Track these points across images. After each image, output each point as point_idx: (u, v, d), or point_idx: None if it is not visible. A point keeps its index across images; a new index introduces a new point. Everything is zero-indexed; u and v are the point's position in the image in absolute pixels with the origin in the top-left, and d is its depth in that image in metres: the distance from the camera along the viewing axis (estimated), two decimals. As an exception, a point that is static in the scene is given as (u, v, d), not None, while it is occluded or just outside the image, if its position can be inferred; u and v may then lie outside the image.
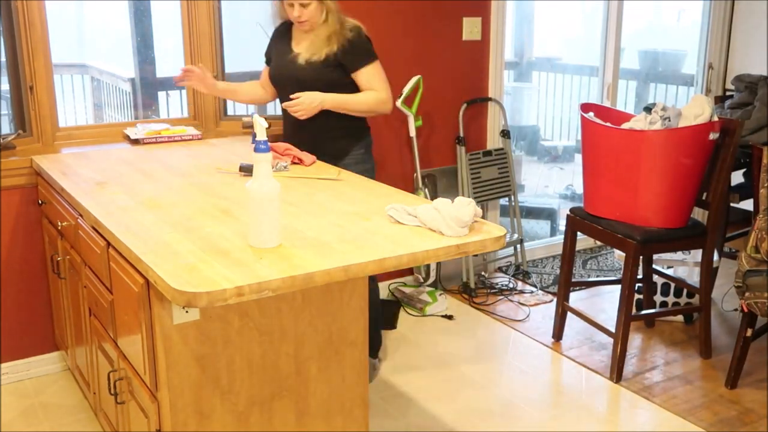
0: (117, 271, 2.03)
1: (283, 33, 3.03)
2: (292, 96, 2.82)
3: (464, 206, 1.96)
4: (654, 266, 3.51)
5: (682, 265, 3.62)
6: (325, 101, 2.84)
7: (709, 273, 3.20)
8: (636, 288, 3.45)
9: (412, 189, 3.80)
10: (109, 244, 2.08)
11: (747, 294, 2.81)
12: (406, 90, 3.55)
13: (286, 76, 2.97)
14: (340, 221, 2.05)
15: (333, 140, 2.95)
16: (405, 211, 2.05)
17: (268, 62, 3.12)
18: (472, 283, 3.93)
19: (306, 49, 2.89)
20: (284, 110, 2.95)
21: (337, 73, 2.88)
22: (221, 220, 2.06)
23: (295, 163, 2.75)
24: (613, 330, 3.13)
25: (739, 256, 2.89)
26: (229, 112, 3.52)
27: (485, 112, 4.06)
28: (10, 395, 2.99)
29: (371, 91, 2.91)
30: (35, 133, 3.04)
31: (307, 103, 2.80)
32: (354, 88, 2.92)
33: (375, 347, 3.13)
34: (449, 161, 3.98)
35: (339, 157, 2.92)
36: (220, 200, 2.27)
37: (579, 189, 5.86)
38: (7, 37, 2.94)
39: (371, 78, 2.90)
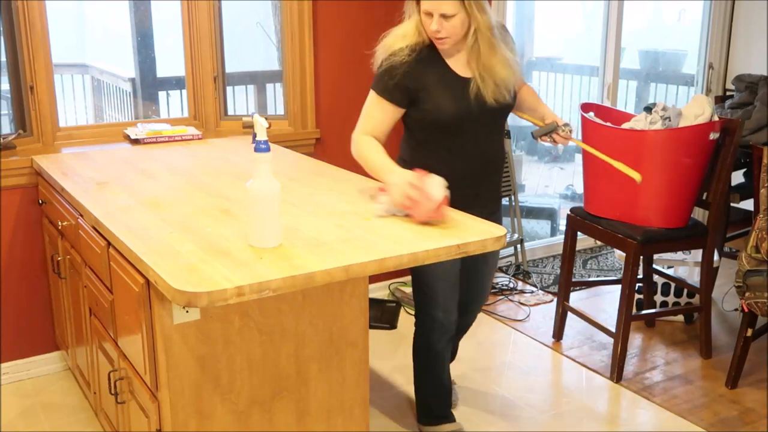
0: (117, 270, 2.03)
1: (430, 57, 2.30)
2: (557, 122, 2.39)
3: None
4: (654, 266, 3.51)
5: (682, 265, 3.62)
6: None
7: (709, 273, 3.20)
8: (636, 288, 3.45)
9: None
10: (109, 243, 2.08)
11: (747, 294, 2.81)
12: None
13: (485, 107, 2.31)
14: (340, 221, 2.05)
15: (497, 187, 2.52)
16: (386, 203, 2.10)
17: (399, 104, 2.33)
18: (473, 283, 3.93)
19: (508, 72, 2.34)
20: (464, 152, 2.36)
21: (513, 101, 2.43)
22: (222, 220, 2.06)
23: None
24: (613, 330, 3.13)
25: (739, 256, 2.89)
26: (230, 111, 3.52)
27: (485, 112, 4.05)
28: (11, 395, 3.00)
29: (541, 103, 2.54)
30: (35, 133, 3.04)
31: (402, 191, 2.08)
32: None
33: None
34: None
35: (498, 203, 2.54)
36: (221, 200, 2.27)
37: (579, 189, 5.87)
38: (8, 36, 2.94)
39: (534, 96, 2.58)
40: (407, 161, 2.40)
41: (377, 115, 2.34)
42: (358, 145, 2.33)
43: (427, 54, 2.28)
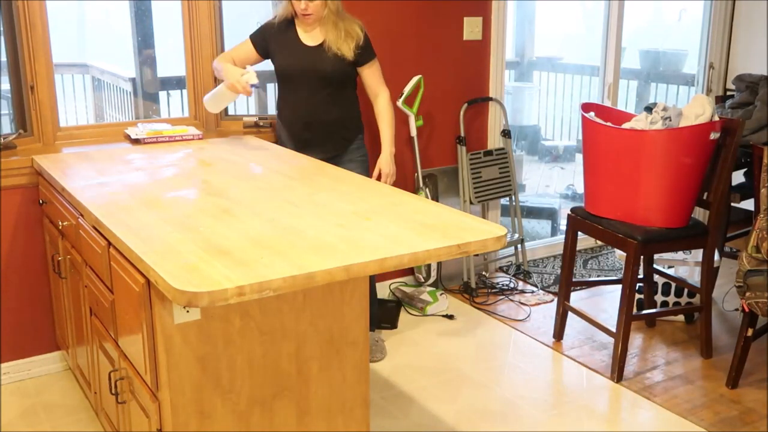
0: (118, 270, 2.03)
1: (285, 28, 3.11)
2: (382, 170, 3.19)
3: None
4: (655, 266, 3.51)
5: (682, 265, 3.62)
6: (393, 152, 3.21)
7: (709, 273, 3.20)
8: (637, 288, 3.45)
9: (413, 189, 3.80)
10: (110, 243, 2.08)
11: (748, 294, 2.81)
12: (406, 90, 3.55)
13: (306, 68, 3.06)
14: (341, 221, 2.05)
15: (342, 130, 3.17)
16: None
17: (257, 48, 3.17)
18: (473, 283, 3.93)
19: (332, 43, 3.02)
20: (291, 106, 3.16)
21: (351, 68, 3.09)
22: (222, 220, 2.06)
23: None
24: (613, 330, 3.13)
25: (739, 255, 2.89)
26: (230, 112, 3.52)
27: (486, 112, 4.06)
28: (11, 395, 3.00)
29: (382, 93, 3.17)
30: (36, 133, 3.04)
31: (390, 170, 3.20)
32: (355, 81, 3.17)
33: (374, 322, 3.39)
34: (450, 161, 3.98)
35: (344, 147, 3.18)
36: (221, 200, 2.27)
37: (580, 189, 5.87)
38: (8, 36, 2.94)
39: (376, 75, 3.16)
40: (276, 103, 3.25)
41: (240, 48, 3.20)
42: (218, 61, 3.18)
43: (286, 25, 3.11)
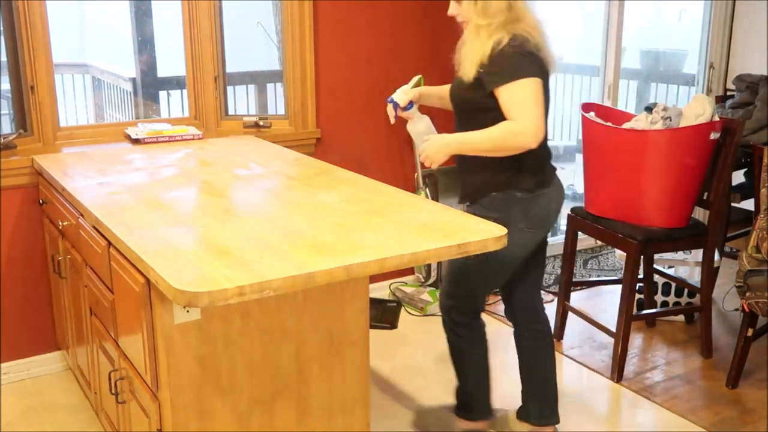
0: (118, 270, 2.03)
1: None
2: (428, 145, 2.37)
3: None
4: (655, 266, 3.51)
5: (683, 265, 3.62)
6: (450, 144, 2.34)
7: (710, 273, 3.20)
8: (637, 288, 3.45)
9: (413, 189, 3.80)
10: (110, 243, 2.08)
11: (748, 294, 2.81)
12: (407, 90, 3.53)
13: (450, 92, 2.47)
14: (341, 221, 2.05)
15: (470, 175, 2.43)
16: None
17: None
18: (473, 283, 3.92)
19: (460, 58, 2.35)
20: None
21: (477, 93, 2.29)
22: (222, 220, 2.06)
23: None
24: (614, 330, 3.13)
25: (740, 255, 2.89)
26: (230, 111, 3.52)
27: (486, 112, 4.05)
28: (11, 395, 2.99)
29: (507, 121, 2.22)
30: (36, 133, 3.04)
31: (433, 151, 2.33)
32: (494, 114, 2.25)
33: None
34: (450, 161, 3.96)
35: (472, 197, 2.43)
36: (222, 200, 2.27)
37: (580, 189, 5.86)
38: (8, 36, 2.94)
39: (510, 102, 2.22)
40: None
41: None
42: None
43: None
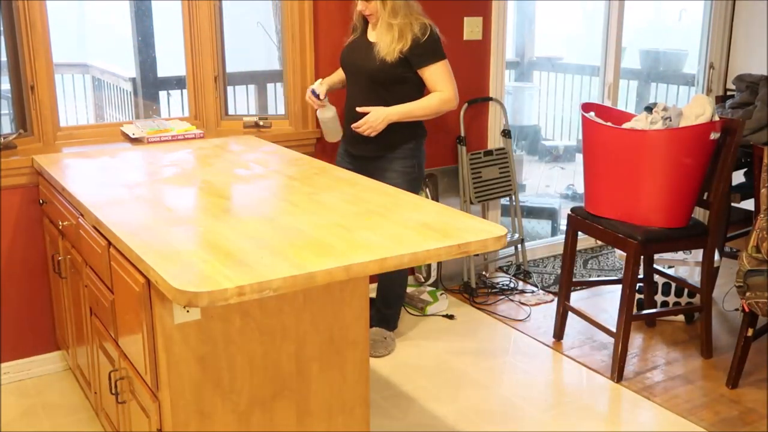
0: (118, 270, 2.03)
1: (363, 26, 3.17)
2: (359, 109, 3.03)
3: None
4: (655, 266, 3.51)
5: (683, 265, 3.62)
6: (391, 115, 3.01)
7: (710, 273, 3.20)
8: (637, 288, 3.45)
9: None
10: (110, 243, 2.08)
11: (748, 294, 2.81)
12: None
13: (357, 64, 3.11)
14: (341, 221, 2.05)
15: (387, 133, 3.07)
16: None
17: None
18: (473, 283, 3.93)
19: (382, 44, 3.00)
20: (346, 100, 3.18)
21: (402, 69, 3.01)
22: (222, 220, 2.06)
23: None
24: (614, 330, 3.13)
25: (740, 255, 2.89)
26: (230, 111, 3.52)
27: (486, 112, 4.06)
28: (11, 395, 3.00)
29: (435, 92, 3.04)
30: (36, 133, 3.04)
31: (373, 120, 3.00)
32: (418, 81, 3.07)
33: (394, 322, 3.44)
34: (450, 161, 3.98)
35: (387, 149, 3.13)
36: (222, 200, 2.27)
37: (580, 189, 5.86)
38: (8, 36, 2.94)
39: (434, 78, 3.03)
40: None
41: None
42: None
43: (364, 23, 3.16)
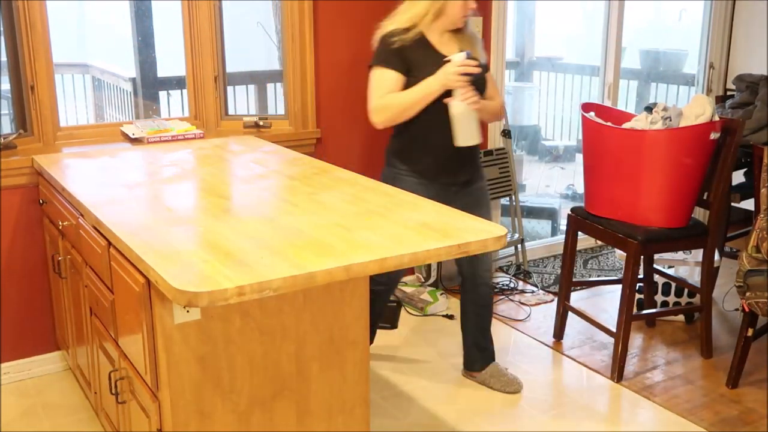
0: (118, 270, 2.03)
1: (419, 43, 2.66)
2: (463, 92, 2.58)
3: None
4: (655, 266, 3.51)
5: (683, 265, 3.62)
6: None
7: (710, 273, 3.20)
8: (637, 288, 3.45)
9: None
10: (110, 243, 2.08)
11: (748, 294, 2.81)
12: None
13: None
14: (341, 221, 2.05)
15: (476, 150, 2.84)
16: None
17: (401, 70, 2.65)
18: (473, 283, 3.93)
19: (471, 50, 2.66)
20: (440, 128, 2.66)
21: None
22: (222, 220, 2.06)
23: None
24: (614, 330, 3.13)
25: (740, 255, 2.89)
26: (230, 111, 3.52)
27: (486, 112, 4.05)
28: (11, 395, 3.00)
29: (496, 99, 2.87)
30: (36, 133, 3.04)
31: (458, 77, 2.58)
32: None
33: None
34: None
35: (477, 170, 2.87)
36: (222, 199, 2.27)
37: (580, 189, 5.86)
38: (8, 36, 2.94)
39: (491, 82, 2.83)
40: (401, 132, 2.77)
41: (384, 84, 2.66)
42: (381, 106, 2.66)
43: (420, 37, 2.66)
